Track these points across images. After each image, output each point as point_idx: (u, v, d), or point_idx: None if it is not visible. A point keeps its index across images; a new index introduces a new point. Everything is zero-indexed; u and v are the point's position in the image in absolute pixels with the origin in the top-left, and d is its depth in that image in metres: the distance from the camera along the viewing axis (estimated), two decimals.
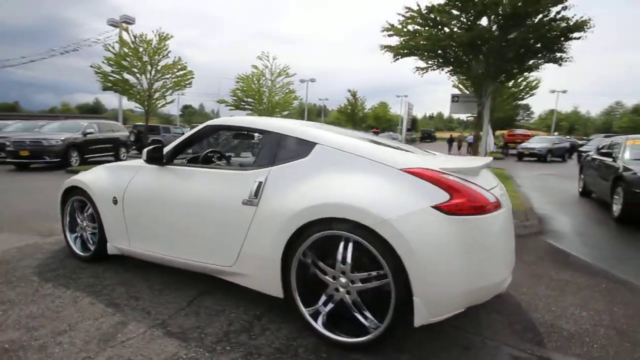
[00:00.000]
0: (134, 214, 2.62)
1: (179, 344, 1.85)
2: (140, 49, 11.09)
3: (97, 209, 2.83)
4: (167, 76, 11.68)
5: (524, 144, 18.88)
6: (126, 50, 10.84)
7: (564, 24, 5.49)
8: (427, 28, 6.06)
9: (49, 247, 3.41)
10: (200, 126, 2.61)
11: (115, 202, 2.70)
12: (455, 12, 5.79)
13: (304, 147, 2.10)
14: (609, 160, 5.80)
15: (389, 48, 6.69)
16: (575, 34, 5.73)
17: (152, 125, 21.54)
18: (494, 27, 5.66)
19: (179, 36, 10.09)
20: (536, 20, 5.49)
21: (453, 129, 78.60)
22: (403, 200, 1.73)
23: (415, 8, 5.98)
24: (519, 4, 5.08)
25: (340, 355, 1.80)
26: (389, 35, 6.53)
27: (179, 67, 11.66)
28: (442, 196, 1.71)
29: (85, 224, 3.04)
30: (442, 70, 6.89)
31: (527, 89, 21.40)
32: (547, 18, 5.50)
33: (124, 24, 11.58)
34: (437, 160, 2.01)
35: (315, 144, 2.08)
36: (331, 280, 1.88)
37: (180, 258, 2.43)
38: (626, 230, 4.61)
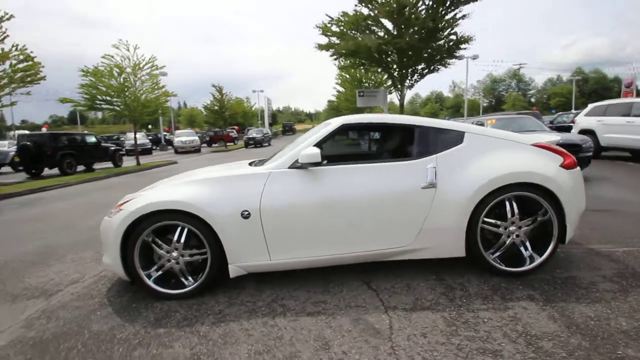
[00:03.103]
0: (280, 224, 2.47)
1: (431, 313, 2.14)
2: None
3: (213, 229, 2.45)
4: None
5: None
6: None
7: (454, 38, 7.67)
8: (357, 33, 7.09)
9: (84, 303, 2.59)
10: (336, 125, 2.67)
11: (246, 216, 2.44)
12: (386, 22, 7.02)
13: (457, 136, 2.63)
14: None
15: (325, 47, 7.36)
16: (464, 45, 8.11)
17: None
18: (416, 37, 7.27)
19: None
20: (443, 34, 7.45)
21: (302, 121, 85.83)
22: (545, 164, 2.57)
23: (351, 14, 6.90)
24: (437, 20, 6.80)
25: (524, 279, 2.51)
26: (325, 35, 7.20)
27: (22, 56, 8.53)
28: (559, 159, 2.64)
29: (176, 254, 2.53)
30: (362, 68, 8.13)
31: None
32: (446, 32, 7.54)
33: None
34: (540, 136, 2.93)
35: (464, 132, 2.65)
36: (503, 230, 2.55)
37: (349, 253, 2.53)
38: None
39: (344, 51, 7.60)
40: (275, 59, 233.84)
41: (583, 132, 8.94)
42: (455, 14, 7.67)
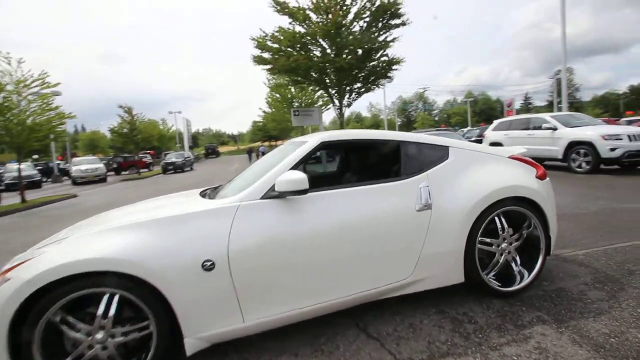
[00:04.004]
0: (257, 273, 1.89)
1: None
2: None
3: (159, 291, 1.76)
4: None
5: None
6: None
7: (387, 59, 7.99)
8: (294, 50, 6.86)
9: None
10: (314, 144, 2.22)
11: (209, 267, 1.82)
12: (322, 42, 6.92)
13: (442, 151, 2.43)
14: None
15: (261, 60, 6.92)
16: (395, 66, 8.49)
17: None
18: (352, 57, 7.31)
19: None
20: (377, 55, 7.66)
21: (226, 143, 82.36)
22: (526, 176, 2.53)
23: (286, 30, 6.64)
24: (370, 43, 6.96)
25: (521, 298, 2.36)
26: (260, 50, 6.79)
27: None
28: (534, 170, 2.64)
29: (102, 336, 1.75)
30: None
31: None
32: (379, 54, 7.80)
33: None
34: (512, 149, 2.90)
35: (448, 147, 2.46)
36: (496, 248, 2.39)
37: (345, 297, 2.07)
38: None
39: (277, 69, 7.37)
40: (194, 80, 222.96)
41: (493, 144, 10.08)
42: (386, 37, 8.15)
